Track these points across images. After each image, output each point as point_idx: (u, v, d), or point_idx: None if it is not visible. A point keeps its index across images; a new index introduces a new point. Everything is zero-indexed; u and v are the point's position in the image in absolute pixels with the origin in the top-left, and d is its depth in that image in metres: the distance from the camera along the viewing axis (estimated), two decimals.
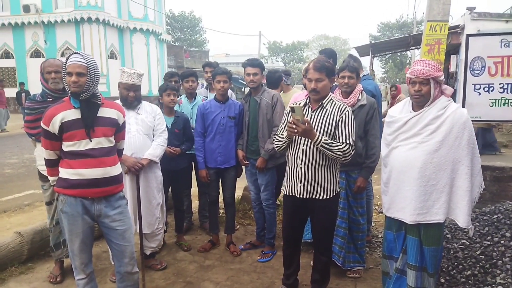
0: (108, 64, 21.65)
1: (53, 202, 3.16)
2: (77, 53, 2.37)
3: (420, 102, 2.45)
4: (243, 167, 3.88)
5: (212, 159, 3.74)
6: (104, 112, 2.45)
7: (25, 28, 21.67)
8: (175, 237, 4.07)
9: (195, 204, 4.69)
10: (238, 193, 4.64)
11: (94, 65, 2.37)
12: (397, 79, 41.01)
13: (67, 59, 2.34)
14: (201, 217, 4.54)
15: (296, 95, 3.89)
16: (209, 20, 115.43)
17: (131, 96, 3.26)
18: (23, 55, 22.00)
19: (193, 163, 4.13)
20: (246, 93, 3.86)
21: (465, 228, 2.54)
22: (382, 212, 4.83)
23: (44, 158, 2.46)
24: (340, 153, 2.52)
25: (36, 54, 21.98)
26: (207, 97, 4.43)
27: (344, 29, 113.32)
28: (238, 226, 4.45)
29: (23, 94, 14.02)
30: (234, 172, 3.84)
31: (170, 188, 4.00)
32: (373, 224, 4.35)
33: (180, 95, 4.21)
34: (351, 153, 2.57)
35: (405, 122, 2.51)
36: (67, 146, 2.36)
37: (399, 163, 2.50)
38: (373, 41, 16.27)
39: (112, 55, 22.68)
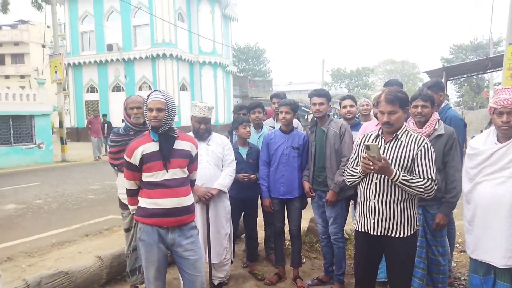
0: (179, 96, 23.10)
1: (131, 229, 3.36)
2: (157, 90, 2.56)
3: (509, 133, 2.24)
4: (308, 198, 3.81)
5: (275, 189, 3.74)
6: (179, 144, 2.59)
7: (108, 65, 24.10)
8: (242, 268, 4.07)
9: (261, 234, 4.68)
10: (304, 224, 4.54)
11: (172, 102, 2.54)
12: (474, 103, 38.23)
13: (148, 96, 2.54)
14: (267, 248, 4.50)
15: (366, 125, 3.77)
16: (273, 50, 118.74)
17: (202, 129, 3.42)
18: (106, 89, 24.38)
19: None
20: (309, 120, 3.84)
21: None
22: (464, 251, 4.40)
23: (126, 188, 2.64)
24: (422, 190, 2.34)
25: (117, 88, 24.23)
26: (273, 127, 4.49)
27: (412, 53, 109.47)
28: (304, 260, 4.33)
29: (106, 125, 15.40)
30: (299, 203, 3.79)
31: (242, 217, 4.07)
32: (454, 265, 3.97)
33: None
34: (434, 189, 2.37)
35: (490, 155, 2.30)
36: (146, 177, 2.52)
37: (485, 200, 2.28)
38: (446, 64, 15.46)
39: (183, 87, 24.22)
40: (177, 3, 23.31)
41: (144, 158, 2.49)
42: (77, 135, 24.29)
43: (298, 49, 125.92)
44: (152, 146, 2.52)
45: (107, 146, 15.34)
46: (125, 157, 2.55)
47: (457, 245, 4.52)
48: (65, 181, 9.96)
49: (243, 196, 3.84)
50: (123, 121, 3.39)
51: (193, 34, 24.30)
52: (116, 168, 3.38)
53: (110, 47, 23.49)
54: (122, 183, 3.20)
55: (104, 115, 16.40)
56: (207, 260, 3.27)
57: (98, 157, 14.71)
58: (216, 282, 3.52)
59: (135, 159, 2.50)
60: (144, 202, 2.53)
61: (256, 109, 4.35)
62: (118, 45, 23.43)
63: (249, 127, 3.91)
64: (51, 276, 3.32)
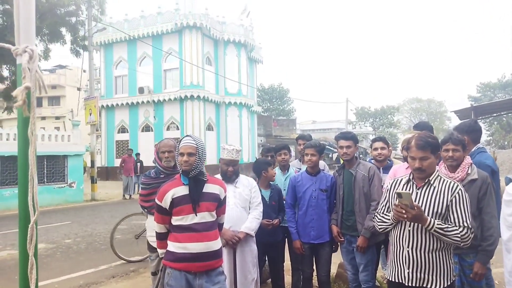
0: (205, 135, 23.60)
1: (158, 272, 3.35)
2: (188, 136, 2.66)
3: None
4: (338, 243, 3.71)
5: (305, 233, 3.68)
6: (209, 188, 2.63)
7: (139, 107, 25.12)
8: None
9: (287, 279, 4.54)
10: (332, 270, 4.39)
11: (203, 146, 2.62)
12: (506, 142, 36.94)
13: (180, 141, 2.63)
14: None
15: (396, 168, 3.71)
16: (297, 90, 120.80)
17: (230, 171, 3.46)
18: (136, 130, 25.25)
19: (286, 236, 4.10)
20: (334, 159, 3.83)
21: None
22: None
23: (156, 232, 2.67)
24: (458, 238, 2.26)
25: (146, 128, 25.06)
26: (300, 169, 4.49)
27: (438, 91, 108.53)
28: None
29: (139, 164, 15.73)
30: (329, 248, 3.70)
31: (266, 262, 3.99)
32: None
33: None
34: (470, 237, 2.29)
35: None
36: (175, 220, 2.55)
37: None
38: (473, 103, 15.20)
39: (209, 127, 24.78)
40: (205, 48, 24.43)
41: (174, 202, 2.54)
42: (106, 174, 24.97)
43: (322, 88, 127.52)
44: (182, 190, 2.57)
45: (139, 186, 15.65)
46: (156, 200, 2.60)
47: None
48: (94, 221, 10.14)
49: (266, 240, 3.75)
50: (153, 162, 3.50)
51: (219, 76, 25.20)
52: (146, 210, 3.45)
53: (141, 90, 24.60)
54: (152, 226, 3.25)
55: (138, 154, 16.71)
56: None
57: (130, 196, 14.94)
58: None
59: (166, 203, 2.55)
60: (172, 246, 2.54)
61: (283, 151, 4.40)
62: (149, 87, 24.53)
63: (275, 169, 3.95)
64: None
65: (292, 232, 3.74)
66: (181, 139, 2.66)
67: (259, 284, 3.59)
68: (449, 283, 2.37)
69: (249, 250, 3.45)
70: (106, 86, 26.52)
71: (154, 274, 3.45)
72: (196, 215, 2.53)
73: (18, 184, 1.36)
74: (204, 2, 33.23)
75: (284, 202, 3.97)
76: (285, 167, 4.44)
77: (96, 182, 15.47)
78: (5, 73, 15.13)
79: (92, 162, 15.74)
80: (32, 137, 1.27)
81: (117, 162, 22.00)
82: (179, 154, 2.58)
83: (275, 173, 3.91)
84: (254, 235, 3.45)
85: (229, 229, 3.30)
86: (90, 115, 15.63)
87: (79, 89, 22.83)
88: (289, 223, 3.78)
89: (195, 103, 23.34)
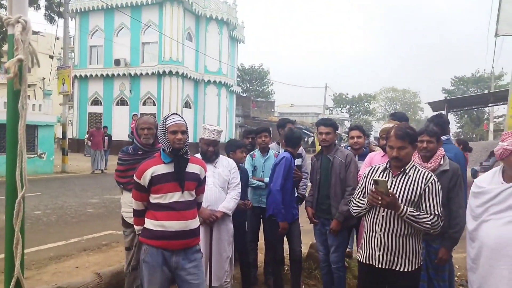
0: (183, 112, 23.27)
1: (132, 248, 3.34)
2: (175, 114, 2.62)
3: None
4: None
5: (288, 213, 3.75)
6: (190, 167, 2.62)
7: (114, 79, 24.37)
8: None
9: (260, 258, 4.65)
10: (304, 250, 4.52)
11: (187, 125, 2.60)
12: (474, 135, 38.46)
13: (167, 119, 2.58)
14: (266, 272, 4.46)
15: (372, 156, 3.82)
16: (277, 73, 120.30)
17: (210, 151, 3.46)
18: (110, 103, 24.55)
19: (261, 217, 4.17)
20: (309, 143, 3.93)
21: None
22: (462, 286, 4.37)
23: (133, 209, 2.66)
24: (429, 225, 2.39)
25: (121, 102, 24.41)
26: (279, 152, 4.54)
27: (413, 82, 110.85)
28: (303, 286, 4.29)
29: (107, 138, 15.42)
30: (298, 225, 3.83)
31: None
32: None
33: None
34: (440, 225, 2.42)
35: (496, 194, 2.34)
36: (154, 198, 2.54)
37: (492, 240, 2.30)
38: (447, 96, 15.67)
39: (186, 105, 24.42)
40: (186, 23, 23.77)
41: (154, 180, 2.52)
42: (78, 146, 24.31)
43: (302, 72, 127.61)
44: (162, 168, 2.54)
45: (107, 160, 15.36)
46: (135, 177, 2.57)
47: (456, 279, 4.49)
48: (65, 193, 9.93)
49: (238, 220, 3.78)
50: (129, 136, 3.43)
51: (200, 54, 24.70)
52: (122, 186, 3.40)
53: (117, 62, 23.81)
54: (127, 202, 3.23)
55: (105, 127, 16.32)
56: (207, 283, 3.25)
57: (102, 170, 14.67)
58: None
59: (144, 181, 2.52)
60: (150, 223, 2.54)
61: (263, 134, 4.44)
62: (126, 60, 23.76)
63: (245, 153, 3.98)
64: None
65: (282, 213, 3.71)
66: (167, 117, 2.60)
67: (233, 262, 3.66)
68: (416, 267, 2.50)
69: (226, 229, 3.49)
70: (81, 55, 25.49)
71: (128, 249, 3.43)
72: (183, 193, 2.53)
73: (6, 158, 1.31)
74: None
75: (262, 183, 4.05)
76: (264, 150, 4.48)
77: (67, 154, 15.06)
78: None
79: (64, 133, 15.27)
80: (23, 111, 1.22)
81: None
82: (169, 132, 2.51)
83: (244, 157, 3.96)
84: (231, 214, 3.49)
85: (207, 208, 3.33)
86: (63, 85, 15.05)
87: (51, 57, 21.87)
88: (278, 206, 3.76)
89: (174, 79, 22.84)
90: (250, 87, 47.75)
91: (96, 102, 25.21)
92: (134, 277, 3.33)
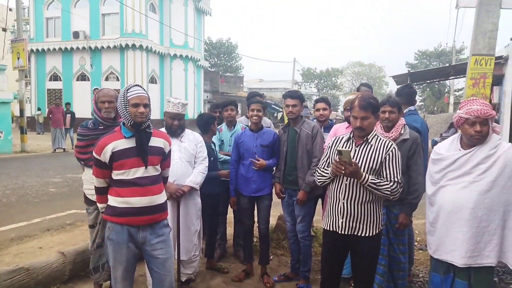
0: (148, 88, 22.59)
1: (96, 225, 3.27)
2: (137, 85, 2.50)
3: (481, 142, 2.38)
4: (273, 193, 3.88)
5: (246, 187, 3.78)
6: (153, 141, 2.54)
7: (73, 53, 23.17)
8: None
9: (230, 231, 4.69)
10: (272, 221, 4.60)
11: (149, 98, 2.51)
12: (435, 108, 39.97)
13: (128, 90, 2.45)
14: (235, 245, 4.52)
15: (337, 127, 3.87)
16: (245, 47, 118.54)
17: (175, 125, 3.38)
18: (70, 78, 23.43)
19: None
20: (279, 118, 3.93)
21: None
22: (422, 250, 4.62)
23: (95, 186, 2.56)
24: (389, 192, 2.47)
25: (82, 77, 23.36)
26: (247, 126, 4.51)
27: (379, 57, 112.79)
28: (272, 256, 4.39)
29: (69, 115, 14.79)
30: (268, 202, 3.85)
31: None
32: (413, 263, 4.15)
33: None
34: (399, 191, 2.51)
35: (454, 161, 2.44)
36: (116, 175, 2.45)
37: (449, 203, 2.41)
38: (411, 70, 16.07)
39: (152, 80, 23.70)
40: None
41: (115, 156, 2.42)
42: (37, 124, 23.21)
43: (270, 47, 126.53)
44: (123, 143, 2.45)
45: (72, 138, 14.78)
46: (94, 154, 2.46)
47: (415, 243, 4.74)
48: (25, 173, 9.52)
49: (205, 192, 3.75)
50: (92, 114, 3.29)
51: (164, 26, 23.81)
52: (82, 162, 3.28)
53: (76, 35, 22.59)
54: (89, 178, 3.12)
55: (68, 104, 15.64)
56: (176, 257, 3.25)
57: (64, 149, 14.11)
58: (184, 279, 3.51)
59: (105, 157, 2.42)
60: (114, 200, 2.46)
61: (229, 107, 4.37)
62: (85, 33, 22.58)
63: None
64: (11, 272, 3.18)
65: (231, 189, 3.85)
66: (128, 88, 2.48)
67: (201, 235, 3.67)
68: (377, 232, 2.60)
69: (193, 203, 3.47)
70: (36, 28, 23.93)
71: (92, 227, 3.34)
72: (146, 168, 2.45)
73: None
74: None
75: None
76: (231, 123, 4.43)
77: (26, 133, 14.34)
78: None
79: (21, 111, 14.47)
80: None
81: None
82: (131, 105, 2.40)
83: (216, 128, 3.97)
84: (198, 188, 3.46)
85: (174, 182, 3.28)
86: (18, 59, 14.13)
87: (4, 30, 20.35)
88: (231, 180, 3.85)
89: (137, 53, 22.01)
90: (218, 62, 46.83)
91: (55, 77, 23.97)
92: (100, 255, 3.27)
